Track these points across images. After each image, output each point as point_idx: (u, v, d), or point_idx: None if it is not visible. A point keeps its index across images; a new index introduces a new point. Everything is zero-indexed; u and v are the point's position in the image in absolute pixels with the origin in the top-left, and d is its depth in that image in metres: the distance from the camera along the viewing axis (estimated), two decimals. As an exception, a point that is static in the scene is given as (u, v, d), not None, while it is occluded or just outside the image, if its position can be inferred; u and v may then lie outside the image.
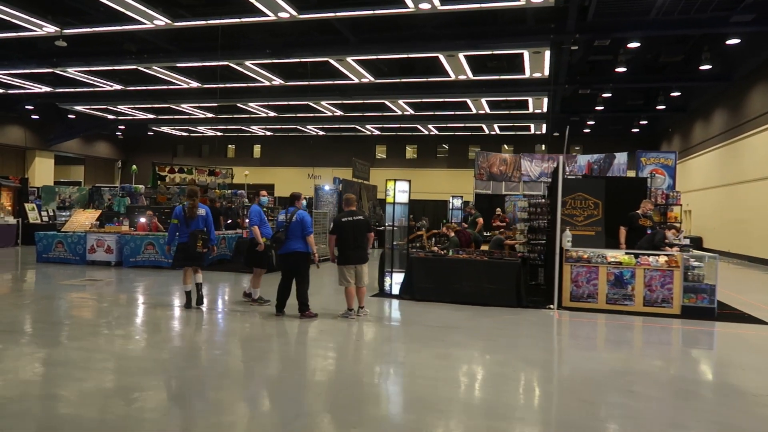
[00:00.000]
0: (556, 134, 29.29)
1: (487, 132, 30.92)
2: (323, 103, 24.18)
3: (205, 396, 4.70)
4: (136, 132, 35.47)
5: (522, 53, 16.25)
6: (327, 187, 19.66)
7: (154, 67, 18.91)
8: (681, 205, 11.42)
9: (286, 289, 7.80)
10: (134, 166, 21.89)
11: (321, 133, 33.42)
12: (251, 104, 25.05)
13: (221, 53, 16.27)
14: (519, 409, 4.66)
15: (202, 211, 8.23)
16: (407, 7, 12.80)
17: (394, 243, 9.66)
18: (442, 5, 12.69)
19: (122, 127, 33.18)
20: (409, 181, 9.83)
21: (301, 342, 6.86)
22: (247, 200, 17.07)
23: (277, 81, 20.20)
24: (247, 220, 13.80)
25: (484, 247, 11.89)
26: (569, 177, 11.34)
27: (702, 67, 17.05)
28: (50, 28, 15.16)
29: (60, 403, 4.45)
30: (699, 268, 8.53)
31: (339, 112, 26.41)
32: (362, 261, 7.80)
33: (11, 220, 18.03)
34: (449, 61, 17.09)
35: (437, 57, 16.85)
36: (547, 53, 15.95)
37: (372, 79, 19.32)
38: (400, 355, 6.21)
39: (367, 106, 25.38)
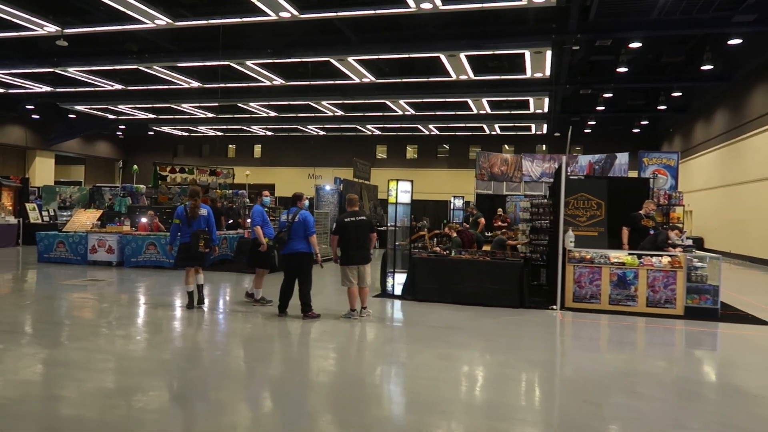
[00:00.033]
0: (557, 134, 29.26)
1: (487, 132, 30.90)
2: (324, 103, 24.16)
3: (207, 397, 4.69)
4: (137, 132, 35.45)
5: (523, 53, 16.23)
6: (328, 187, 19.65)
7: (155, 67, 18.88)
8: (684, 205, 11.40)
9: (289, 290, 7.78)
10: (135, 166, 21.87)
11: (321, 133, 33.40)
12: (252, 104, 25.03)
13: (222, 53, 16.25)
14: (523, 410, 4.64)
15: (203, 211, 8.21)
16: (409, 7, 12.78)
17: (397, 243, 9.63)
18: (443, 5, 12.67)
19: (123, 126, 33.16)
20: (412, 182, 9.81)
21: (303, 343, 6.84)
22: (248, 200, 17.04)
23: (278, 81, 20.18)
24: (248, 221, 13.79)
25: (486, 248, 11.87)
26: (571, 177, 11.31)
27: (703, 68, 17.03)
28: (51, 28, 15.14)
29: (62, 404, 4.43)
30: (702, 268, 8.51)
31: (340, 112, 26.39)
32: (365, 261, 7.78)
33: (12, 220, 18.01)
34: (450, 61, 17.07)
35: (438, 57, 16.83)
36: (549, 53, 15.93)
37: (373, 79, 19.30)
38: (402, 356, 6.20)
39: (368, 106, 25.37)
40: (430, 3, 12.52)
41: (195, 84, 21.16)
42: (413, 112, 25.75)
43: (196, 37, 16.56)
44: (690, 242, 9.73)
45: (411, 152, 35.03)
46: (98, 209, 16.11)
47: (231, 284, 11.05)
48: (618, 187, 10.36)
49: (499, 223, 14.73)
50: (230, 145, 37.50)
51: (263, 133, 34.63)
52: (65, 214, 19.40)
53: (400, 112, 25.87)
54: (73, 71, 19.69)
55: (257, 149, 37.16)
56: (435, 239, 11.46)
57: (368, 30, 15.35)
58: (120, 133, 36.80)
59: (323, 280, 11.00)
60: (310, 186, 19.86)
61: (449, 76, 18.63)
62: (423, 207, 28.96)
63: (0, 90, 23.58)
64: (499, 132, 30.90)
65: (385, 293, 9.79)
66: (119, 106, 26.82)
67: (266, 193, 9.34)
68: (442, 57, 16.72)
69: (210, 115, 28.41)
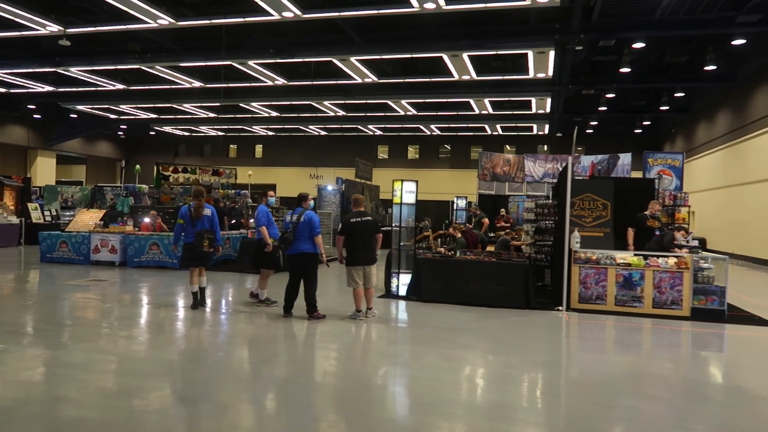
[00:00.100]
0: (559, 135, 29.24)
1: (489, 132, 30.88)
2: (326, 103, 24.12)
3: (211, 398, 4.66)
4: (138, 132, 35.43)
5: (526, 53, 16.20)
6: (330, 188, 19.63)
7: (157, 67, 18.85)
8: (689, 206, 11.37)
9: (294, 290, 7.75)
10: (138, 166, 21.84)
11: (323, 133, 33.37)
12: (254, 104, 25.00)
13: (224, 53, 16.24)
14: (529, 412, 4.62)
15: (207, 211, 8.19)
16: (412, 7, 12.74)
17: (401, 244, 9.60)
18: (447, 5, 12.63)
19: (124, 126, 33.14)
20: (416, 182, 9.78)
21: (309, 344, 6.81)
22: (251, 200, 17.02)
23: (280, 81, 20.15)
24: (251, 221, 13.74)
25: (490, 248, 11.85)
26: (576, 178, 11.29)
27: (706, 68, 17.00)
28: (53, 27, 15.11)
29: (65, 405, 4.40)
30: (708, 269, 8.48)
31: (341, 112, 26.36)
32: (371, 262, 7.74)
33: (14, 219, 17.98)
34: (453, 61, 17.04)
35: (441, 57, 16.79)
36: (552, 53, 15.90)
37: (375, 79, 19.27)
38: (408, 357, 6.17)
39: (370, 106, 25.34)
40: (434, 3, 12.49)
41: (197, 84, 21.13)
42: (415, 112, 25.72)
43: (199, 36, 16.54)
44: (696, 243, 9.69)
45: (412, 152, 35.00)
46: (100, 209, 16.08)
47: (234, 284, 11.02)
48: (623, 187, 10.34)
49: (502, 224, 14.70)
50: (231, 145, 37.47)
51: (264, 133, 34.60)
52: (67, 214, 19.38)
53: (402, 113, 25.84)
54: (75, 71, 19.67)
55: (258, 149, 37.14)
56: (439, 240, 11.44)
57: (371, 30, 15.33)
58: (121, 133, 36.78)
59: (327, 280, 10.97)
60: (312, 186, 19.84)
61: (452, 76, 18.60)
62: (424, 207, 28.94)
63: (2, 90, 23.56)
64: (500, 132, 30.87)
65: (389, 294, 9.76)
66: (121, 106, 26.79)
67: (271, 193, 9.31)
68: (445, 57, 16.69)
69: (211, 115, 28.39)
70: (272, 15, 13.63)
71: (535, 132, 30.16)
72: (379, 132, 32.63)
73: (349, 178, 21.35)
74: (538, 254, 11.02)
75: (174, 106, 25.90)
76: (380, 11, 13.17)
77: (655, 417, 4.46)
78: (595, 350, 6.91)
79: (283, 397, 4.77)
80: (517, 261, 9.22)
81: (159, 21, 14.37)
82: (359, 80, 19.54)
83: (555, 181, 14.25)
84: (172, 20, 14.26)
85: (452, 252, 9.88)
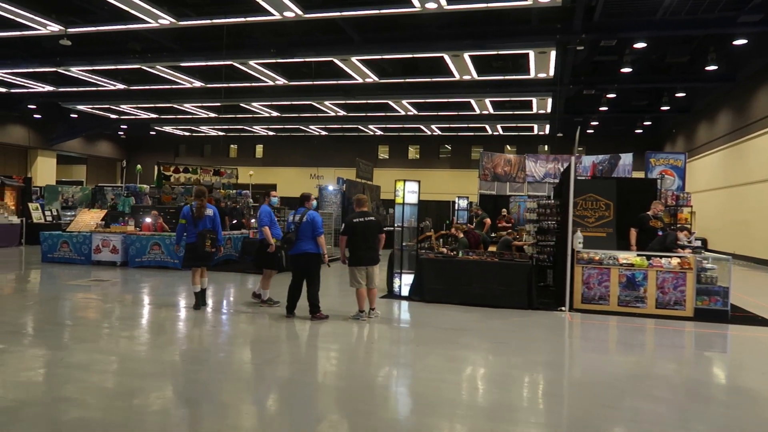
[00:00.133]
0: (559, 135, 29.22)
1: (490, 132, 30.86)
2: (326, 103, 24.10)
3: (214, 398, 4.64)
4: (138, 131, 35.40)
5: (527, 53, 16.17)
6: (331, 188, 19.62)
7: (158, 67, 18.82)
8: (691, 206, 11.35)
9: (297, 290, 7.73)
10: (139, 166, 21.82)
11: (324, 133, 33.34)
12: (254, 104, 24.97)
13: (225, 53, 16.21)
14: (531, 412, 4.60)
15: (209, 211, 8.17)
16: (413, 7, 12.71)
17: (404, 244, 9.58)
18: (448, 5, 12.60)
19: (124, 126, 33.11)
20: (419, 182, 9.76)
21: (312, 344, 6.79)
22: (252, 200, 17.00)
23: (281, 81, 20.12)
24: (252, 221, 13.73)
25: (492, 248, 11.83)
26: (578, 178, 11.26)
27: (708, 68, 16.97)
28: (54, 27, 15.08)
29: (67, 405, 4.38)
30: (712, 270, 8.45)
31: (342, 112, 26.34)
32: (374, 262, 7.73)
33: (15, 219, 17.97)
34: (454, 61, 17.02)
35: (442, 57, 16.76)
36: (553, 53, 15.87)
37: (376, 79, 19.24)
38: (411, 358, 6.15)
39: (371, 106, 25.32)
40: (435, 2, 12.46)
41: (197, 84, 21.11)
42: (416, 112, 25.70)
43: (199, 36, 16.52)
44: (699, 243, 9.67)
45: (413, 152, 34.98)
46: (101, 209, 16.07)
47: (236, 284, 11.00)
48: (626, 187, 10.32)
49: (504, 224, 14.69)
50: (232, 145, 37.45)
51: (265, 133, 34.57)
52: (68, 213, 19.37)
53: (403, 113, 25.83)
54: (75, 71, 19.64)
55: (259, 149, 37.11)
56: (441, 240, 11.42)
57: (371, 30, 15.31)
58: (122, 133, 36.76)
59: (329, 280, 10.95)
60: (313, 186, 19.83)
61: (452, 76, 18.58)
62: (425, 207, 28.90)
63: (2, 90, 23.53)
64: (501, 132, 30.85)
65: (391, 294, 9.74)
66: (121, 106, 26.76)
67: (274, 193, 9.27)
68: (446, 57, 16.67)
69: (212, 115, 28.36)
70: (273, 15, 13.61)
71: (535, 132, 30.14)
72: (379, 132, 32.62)
73: (349, 178, 21.34)
74: (541, 254, 11.00)
75: (174, 106, 25.87)
76: (381, 11, 13.14)
77: (657, 418, 4.44)
78: (597, 351, 6.89)
79: (286, 398, 4.76)
80: (520, 261, 9.20)
81: (160, 21, 14.35)
82: (360, 80, 19.52)
83: (556, 181, 14.24)
84: (172, 20, 14.24)
85: (455, 252, 9.85)
